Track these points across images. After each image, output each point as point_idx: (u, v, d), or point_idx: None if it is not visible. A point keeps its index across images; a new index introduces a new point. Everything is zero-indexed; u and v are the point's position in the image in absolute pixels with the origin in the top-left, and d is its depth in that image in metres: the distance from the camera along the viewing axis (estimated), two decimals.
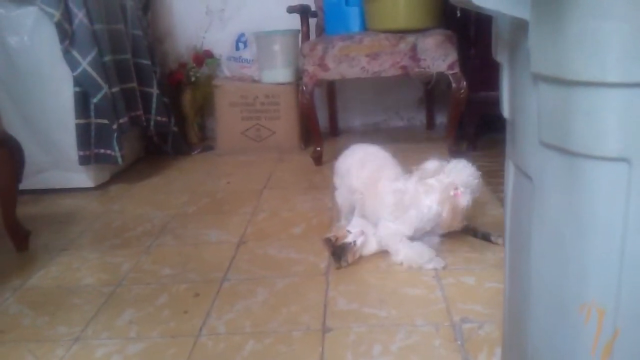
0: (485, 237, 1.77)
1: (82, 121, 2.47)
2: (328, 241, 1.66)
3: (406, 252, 1.65)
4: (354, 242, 1.65)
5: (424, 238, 1.71)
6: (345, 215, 1.89)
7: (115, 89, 2.55)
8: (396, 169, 1.79)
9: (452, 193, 1.64)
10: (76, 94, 2.44)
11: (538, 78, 0.69)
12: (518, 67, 0.75)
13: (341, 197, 1.91)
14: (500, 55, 0.81)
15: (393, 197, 1.70)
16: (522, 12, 0.68)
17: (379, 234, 1.70)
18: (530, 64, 0.69)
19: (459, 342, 1.26)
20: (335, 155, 2.84)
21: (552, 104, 0.68)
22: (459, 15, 2.63)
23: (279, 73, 3.09)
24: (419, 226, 1.68)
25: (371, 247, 1.71)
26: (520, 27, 0.70)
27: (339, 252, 1.64)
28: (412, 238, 1.69)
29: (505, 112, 0.82)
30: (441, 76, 2.59)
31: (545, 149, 0.70)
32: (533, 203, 0.74)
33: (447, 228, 1.70)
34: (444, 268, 1.61)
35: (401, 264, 1.65)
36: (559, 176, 0.69)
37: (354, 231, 1.67)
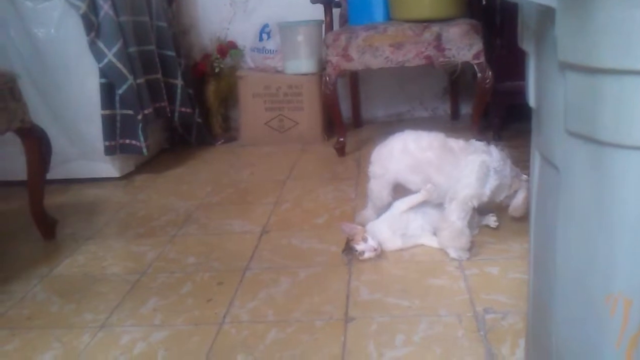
0: None
1: (107, 112, 2.50)
2: (346, 235, 1.66)
3: (462, 224, 1.62)
4: (362, 252, 1.62)
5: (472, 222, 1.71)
6: (376, 210, 1.82)
7: (140, 80, 2.58)
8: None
9: (524, 178, 1.66)
10: (102, 85, 2.47)
11: (565, 66, 0.68)
12: (544, 55, 0.74)
13: (376, 188, 1.80)
14: (526, 44, 0.80)
15: (478, 157, 1.67)
16: None
17: (463, 194, 1.63)
18: (557, 52, 0.68)
19: (482, 333, 1.25)
20: (359, 146, 2.87)
21: (580, 93, 0.66)
22: (484, 3, 2.61)
23: (302, 64, 3.08)
24: (491, 195, 1.67)
25: (395, 244, 1.68)
26: (546, 15, 0.69)
27: (346, 249, 1.64)
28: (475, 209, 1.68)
29: (531, 100, 0.81)
30: (466, 66, 2.57)
31: (571, 138, 0.69)
32: (559, 193, 0.73)
33: (519, 214, 1.71)
34: (467, 259, 1.60)
35: (445, 228, 1.63)
36: (586, 165, 0.68)
37: (369, 243, 1.62)
